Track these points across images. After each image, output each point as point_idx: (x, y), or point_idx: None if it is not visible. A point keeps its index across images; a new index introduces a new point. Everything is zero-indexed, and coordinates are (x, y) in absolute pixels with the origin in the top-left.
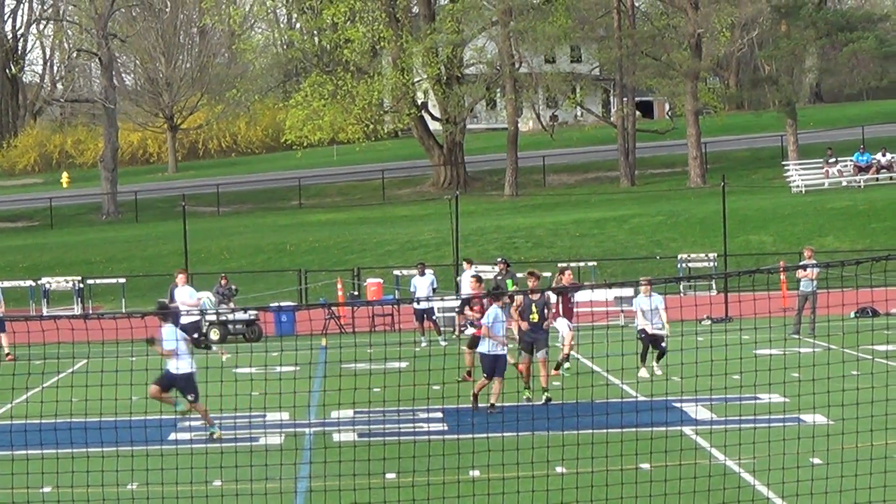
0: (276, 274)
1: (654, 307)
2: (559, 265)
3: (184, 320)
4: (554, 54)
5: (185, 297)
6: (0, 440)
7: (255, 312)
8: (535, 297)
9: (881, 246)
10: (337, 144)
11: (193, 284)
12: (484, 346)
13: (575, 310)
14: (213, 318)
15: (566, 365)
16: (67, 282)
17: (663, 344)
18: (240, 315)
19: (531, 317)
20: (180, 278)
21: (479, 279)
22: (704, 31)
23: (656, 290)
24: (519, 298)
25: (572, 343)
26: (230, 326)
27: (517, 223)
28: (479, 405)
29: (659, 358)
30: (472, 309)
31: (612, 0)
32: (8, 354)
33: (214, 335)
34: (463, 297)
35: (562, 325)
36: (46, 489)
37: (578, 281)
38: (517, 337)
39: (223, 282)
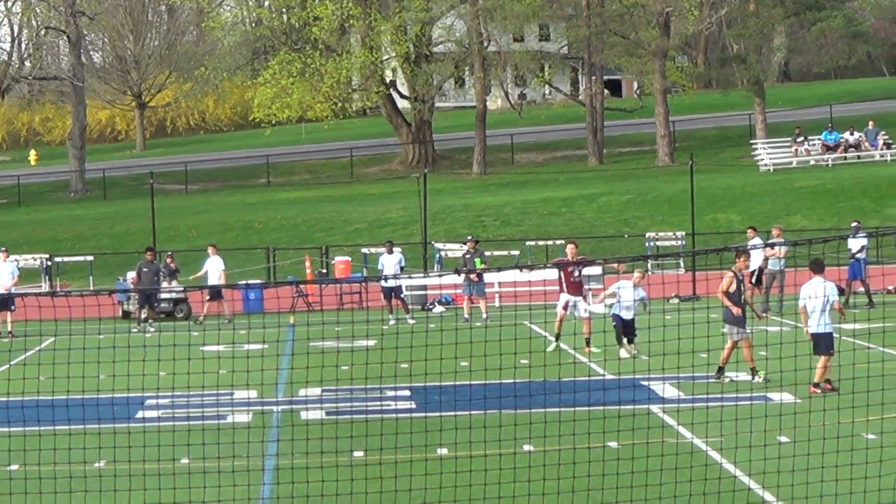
0: (244, 252)
1: (639, 298)
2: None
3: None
4: (522, 33)
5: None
6: None
7: (180, 290)
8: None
9: (849, 224)
10: (305, 122)
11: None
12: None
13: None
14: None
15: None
16: (35, 259)
17: (634, 334)
18: (164, 294)
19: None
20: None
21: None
22: (673, 9)
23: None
24: None
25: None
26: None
27: (485, 202)
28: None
29: (629, 342)
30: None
31: None
32: (10, 333)
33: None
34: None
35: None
36: (13, 467)
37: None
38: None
39: (168, 261)
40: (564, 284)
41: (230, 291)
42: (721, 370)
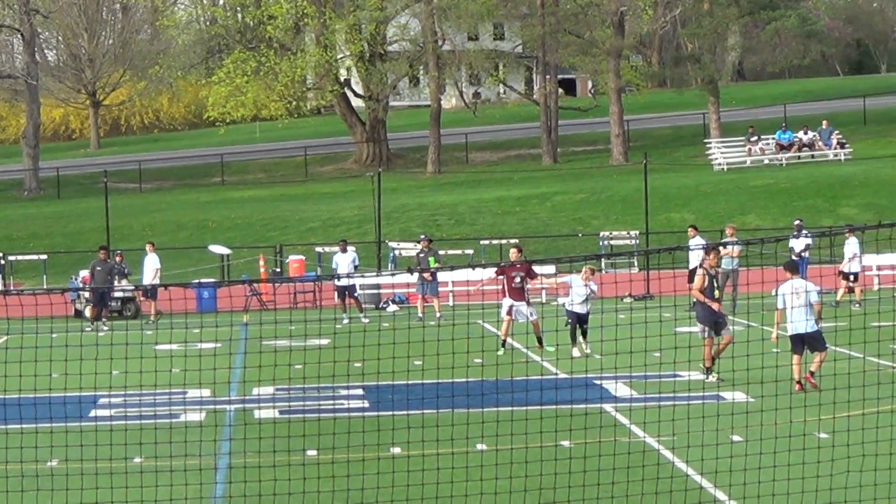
0: (197, 251)
1: (590, 292)
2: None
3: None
4: (477, 31)
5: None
6: None
7: (131, 289)
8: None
9: None
10: (260, 121)
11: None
12: None
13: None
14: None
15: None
16: None
17: (587, 325)
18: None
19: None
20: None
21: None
22: (627, 8)
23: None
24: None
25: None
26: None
27: (439, 200)
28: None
29: (584, 336)
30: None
31: None
32: None
33: (89, 312)
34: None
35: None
36: None
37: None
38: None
39: (118, 259)
40: (507, 290)
41: (181, 290)
42: (709, 370)
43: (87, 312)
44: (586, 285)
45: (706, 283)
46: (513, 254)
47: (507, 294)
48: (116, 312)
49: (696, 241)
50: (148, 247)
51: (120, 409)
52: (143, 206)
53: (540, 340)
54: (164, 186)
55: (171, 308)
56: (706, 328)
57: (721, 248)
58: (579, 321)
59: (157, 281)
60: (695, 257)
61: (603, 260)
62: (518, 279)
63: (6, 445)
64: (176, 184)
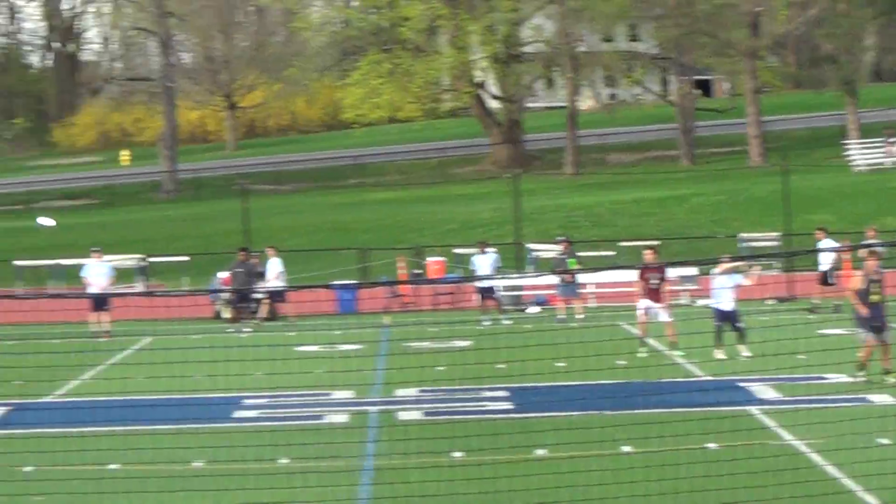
0: (333, 253)
1: (735, 284)
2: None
3: None
4: (612, 33)
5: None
6: (68, 416)
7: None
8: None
9: None
10: (395, 123)
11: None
12: None
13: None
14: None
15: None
16: (129, 260)
17: (740, 325)
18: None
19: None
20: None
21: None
22: (762, 9)
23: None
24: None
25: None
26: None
27: (577, 202)
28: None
29: (741, 339)
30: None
31: None
32: (106, 332)
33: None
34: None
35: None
36: (113, 466)
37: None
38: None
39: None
40: (643, 291)
41: (317, 292)
42: (862, 367)
43: (228, 314)
44: (730, 276)
45: (864, 285)
46: (648, 255)
47: (643, 295)
48: (251, 313)
49: (827, 243)
50: (270, 251)
51: (264, 411)
52: (280, 207)
53: (673, 345)
54: (300, 188)
55: (310, 310)
56: (865, 331)
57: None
58: (728, 320)
59: (280, 284)
60: (825, 259)
61: (748, 262)
62: (654, 280)
63: (153, 446)
64: (312, 186)
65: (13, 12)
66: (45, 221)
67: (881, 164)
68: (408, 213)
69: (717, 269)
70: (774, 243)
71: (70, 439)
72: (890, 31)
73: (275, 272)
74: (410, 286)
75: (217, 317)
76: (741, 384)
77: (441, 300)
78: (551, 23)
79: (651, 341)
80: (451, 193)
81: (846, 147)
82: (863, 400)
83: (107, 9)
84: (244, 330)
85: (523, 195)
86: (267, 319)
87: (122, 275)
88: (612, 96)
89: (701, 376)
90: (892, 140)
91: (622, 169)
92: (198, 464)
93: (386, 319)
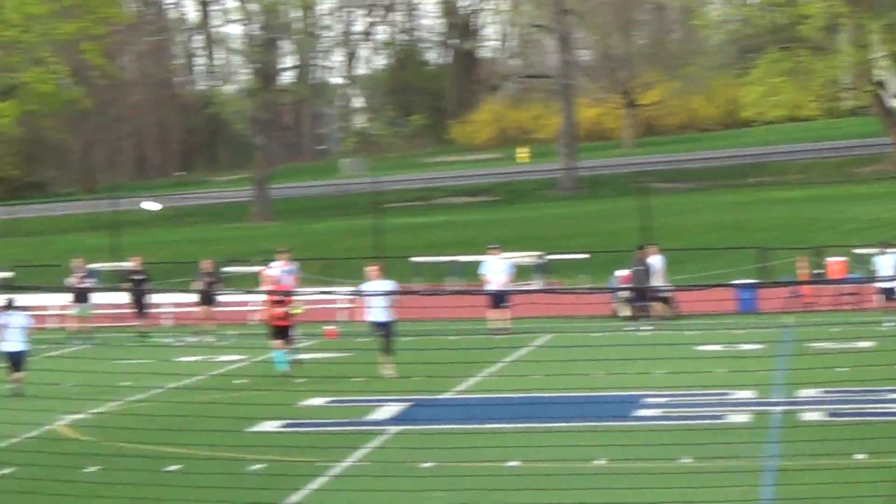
0: (732, 251)
1: None
2: None
3: None
4: None
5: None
6: (469, 413)
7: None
8: None
9: None
10: (794, 122)
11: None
12: None
13: None
14: None
15: None
16: (528, 257)
17: None
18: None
19: None
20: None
21: None
22: None
23: None
24: None
25: None
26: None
27: None
28: None
29: None
30: None
31: None
32: (506, 329)
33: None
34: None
35: None
36: (513, 462)
37: None
38: None
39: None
40: None
41: (717, 291)
42: None
43: (626, 312)
44: None
45: None
46: None
47: None
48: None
49: None
50: (653, 248)
51: (664, 409)
52: (678, 205)
53: None
54: (699, 186)
55: (710, 308)
56: None
57: None
58: None
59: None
60: None
61: None
62: None
63: (551, 444)
64: (711, 184)
65: (411, 9)
66: (151, 205)
67: None
68: (808, 212)
69: None
70: None
71: (468, 436)
72: None
73: (658, 271)
74: (811, 286)
75: (614, 315)
76: None
77: (843, 300)
78: None
79: None
80: (852, 193)
81: None
82: None
83: (504, 6)
84: (642, 328)
85: None
86: (667, 318)
87: (520, 272)
88: None
89: None
90: None
91: None
92: (599, 462)
93: (788, 319)
